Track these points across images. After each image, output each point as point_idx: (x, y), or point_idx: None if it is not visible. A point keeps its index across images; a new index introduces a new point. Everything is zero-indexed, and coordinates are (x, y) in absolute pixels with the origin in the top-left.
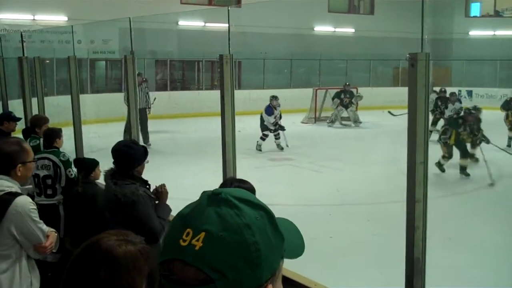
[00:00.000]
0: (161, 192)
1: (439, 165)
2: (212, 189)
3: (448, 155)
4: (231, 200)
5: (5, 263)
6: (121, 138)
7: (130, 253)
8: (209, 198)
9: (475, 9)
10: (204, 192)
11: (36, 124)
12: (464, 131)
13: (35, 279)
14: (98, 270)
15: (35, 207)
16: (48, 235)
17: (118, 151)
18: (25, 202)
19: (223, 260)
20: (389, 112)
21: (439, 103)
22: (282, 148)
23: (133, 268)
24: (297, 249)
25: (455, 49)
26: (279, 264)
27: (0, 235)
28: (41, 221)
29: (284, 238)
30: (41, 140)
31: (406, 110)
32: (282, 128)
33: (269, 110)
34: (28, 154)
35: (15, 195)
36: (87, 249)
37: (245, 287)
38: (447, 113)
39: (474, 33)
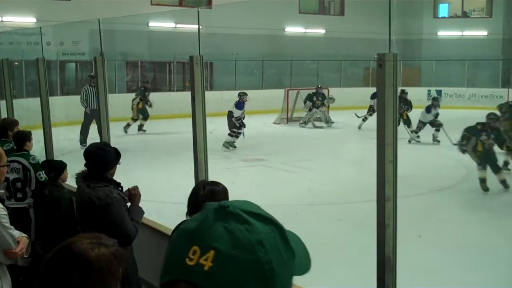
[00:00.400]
0: (134, 194)
1: (481, 182)
2: (185, 189)
3: (480, 164)
4: (241, 214)
5: None
6: (91, 141)
7: (103, 256)
8: (216, 211)
9: (443, 10)
10: (209, 204)
11: (8, 127)
12: (488, 139)
13: (6, 285)
14: (71, 274)
15: (5, 213)
16: (19, 240)
17: (91, 153)
18: None
19: (235, 281)
20: (356, 114)
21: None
22: (235, 147)
23: (107, 272)
24: (304, 265)
25: (424, 50)
26: (292, 281)
27: None
28: (12, 226)
29: (295, 254)
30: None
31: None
32: (244, 125)
33: (240, 104)
34: (1, 159)
35: None
36: (59, 253)
37: None
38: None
39: (442, 33)
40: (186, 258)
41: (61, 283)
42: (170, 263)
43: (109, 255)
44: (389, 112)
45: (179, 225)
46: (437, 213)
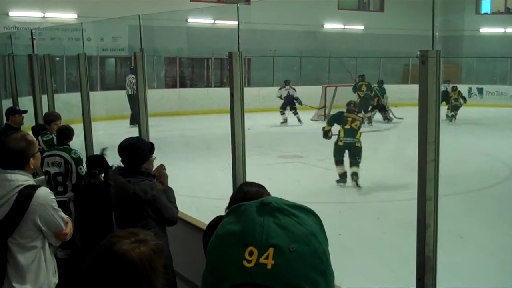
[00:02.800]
0: (160, 176)
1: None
2: (222, 185)
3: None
4: (286, 208)
5: (32, 253)
6: (129, 135)
7: (145, 255)
8: (259, 209)
9: (485, 6)
10: (245, 205)
11: (51, 120)
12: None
13: (55, 267)
14: (116, 277)
15: (54, 197)
16: (66, 221)
17: (124, 148)
18: (45, 193)
19: (299, 275)
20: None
21: None
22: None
23: (150, 270)
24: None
25: (466, 46)
26: None
27: (24, 227)
28: (60, 209)
29: (327, 240)
30: (54, 135)
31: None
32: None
33: None
34: (35, 146)
35: (34, 188)
36: (102, 256)
37: None
38: None
39: (484, 30)
40: (244, 261)
41: (106, 286)
42: (225, 270)
43: (150, 252)
44: (431, 109)
45: (211, 226)
46: (478, 213)
